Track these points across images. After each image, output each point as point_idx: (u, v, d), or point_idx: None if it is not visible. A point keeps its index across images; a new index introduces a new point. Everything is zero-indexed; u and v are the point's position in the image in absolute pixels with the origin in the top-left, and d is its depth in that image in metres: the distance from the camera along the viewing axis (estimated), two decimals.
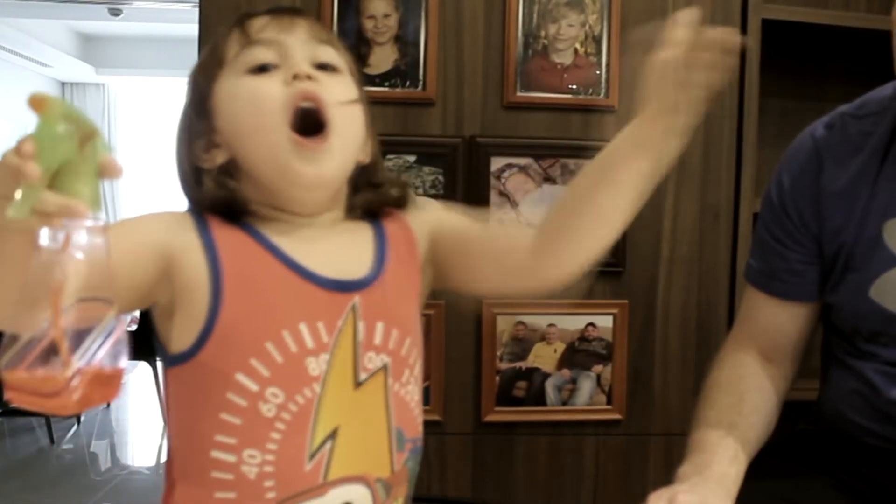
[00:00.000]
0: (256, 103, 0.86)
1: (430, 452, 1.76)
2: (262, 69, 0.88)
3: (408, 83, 1.73)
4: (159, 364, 0.92)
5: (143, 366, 4.50)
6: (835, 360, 1.20)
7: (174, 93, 7.86)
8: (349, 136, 0.90)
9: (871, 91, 1.19)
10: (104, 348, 0.64)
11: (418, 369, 0.94)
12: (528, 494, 1.80)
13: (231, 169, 0.89)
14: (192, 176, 0.91)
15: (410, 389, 0.92)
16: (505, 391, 1.76)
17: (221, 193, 0.88)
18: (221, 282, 0.84)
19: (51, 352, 0.62)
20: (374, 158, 0.96)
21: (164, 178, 7.98)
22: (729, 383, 1.18)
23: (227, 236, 0.87)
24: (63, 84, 8.25)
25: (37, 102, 0.63)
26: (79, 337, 0.63)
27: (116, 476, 3.82)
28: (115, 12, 6.13)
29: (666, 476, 1.07)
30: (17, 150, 0.62)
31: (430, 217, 0.99)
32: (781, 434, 1.20)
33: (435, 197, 1.73)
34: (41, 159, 0.61)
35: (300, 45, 0.90)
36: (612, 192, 0.84)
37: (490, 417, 1.77)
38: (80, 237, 0.63)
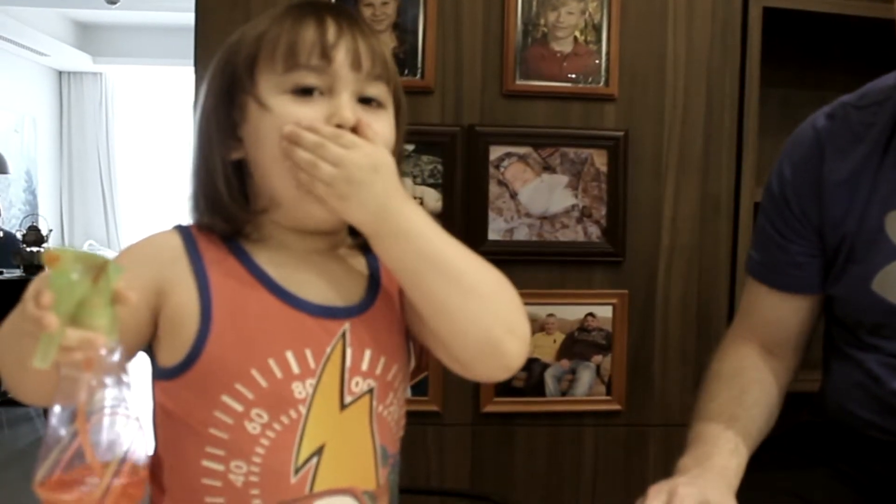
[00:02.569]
0: None
1: (429, 443, 1.75)
2: (305, 91, 0.85)
3: (406, 71, 1.71)
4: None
5: (142, 356, 4.48)
6: (837, 352, 1.20)
7: (172, 81, 7.85)
8: None
9: (872, 80, 1.18)
10: (130, 456, 0.71)
11: (402, 391, 0.94)
12: (527, 485, 1.80)
13: (243, 169, 0.89)
14: (207, 163, 0.89)
15: (393, 410, 0.92)
16: (504, 382, 1.75)
17: (232, 211, 0.88)
18: (210, 314, 0.85)
19: (78, 458, 0.69)
20: None
21: (162, 169, 7.98)
22: (730, 376, 1.18)
23: (218, 266, 0.87)
24: (60, 73, 8.22)
25: (51, 259, 0.68)
26: (106, 447, 0.70)
27: None
28: (112, 1, 6.10)
29: (665, 467, 1.07)
30: (36, 300, 0.68)
31: None
32: (783, 426, 1.20)
33: (433, 186, 1.73)
34: (59, 307, 0.67)
35: (350, 77, 0.86)
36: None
37: (489, 408, 1.77)
38: (100, 360, 0.69)
